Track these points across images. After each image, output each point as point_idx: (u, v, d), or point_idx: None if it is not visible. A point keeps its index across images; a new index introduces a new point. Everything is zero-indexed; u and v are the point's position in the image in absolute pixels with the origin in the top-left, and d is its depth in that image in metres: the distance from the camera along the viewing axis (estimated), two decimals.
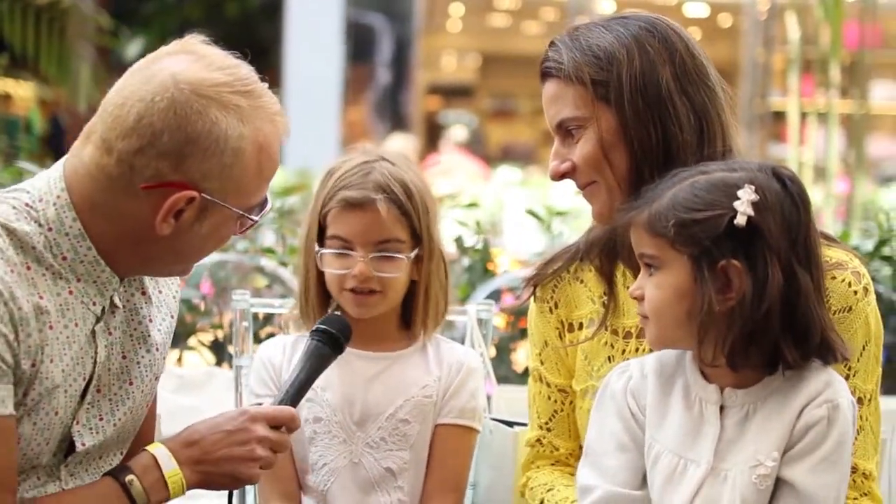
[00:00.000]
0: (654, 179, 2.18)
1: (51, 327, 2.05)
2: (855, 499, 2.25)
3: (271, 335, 3.43)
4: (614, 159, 2.33)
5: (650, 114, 2.31)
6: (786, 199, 2.08)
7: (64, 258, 2.07)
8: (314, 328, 2.39)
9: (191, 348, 4.07)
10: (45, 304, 2.04)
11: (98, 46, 12.76)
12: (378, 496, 2.57)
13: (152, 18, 19.10)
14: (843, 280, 2.28)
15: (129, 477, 2.10)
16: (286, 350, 2.62)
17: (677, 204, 2.08)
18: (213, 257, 3.84)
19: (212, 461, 2.14)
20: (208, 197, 2.05)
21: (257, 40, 17.32)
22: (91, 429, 2.15)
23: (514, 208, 9.30)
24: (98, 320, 2.13)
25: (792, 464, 2.07)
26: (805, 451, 2.07)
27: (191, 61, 2.06)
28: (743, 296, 2.05)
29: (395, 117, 16.46)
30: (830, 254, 2.30)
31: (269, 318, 3.54)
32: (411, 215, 2.55)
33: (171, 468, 2.12)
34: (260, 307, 2.86)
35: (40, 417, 2.07)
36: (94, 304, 2.11)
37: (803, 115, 9.36)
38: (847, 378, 2.23)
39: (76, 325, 2.09)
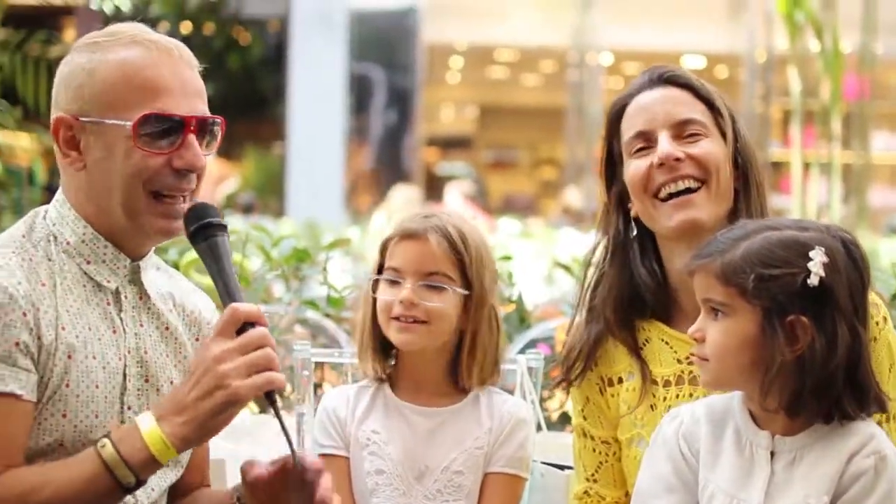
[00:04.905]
0: (749, 212, 2.44)
1: (62, 300, 2.29)
2: None
3: (319, 384, 3.57)
4: (726, 172, 2.53)
5: (747, 153, 2.56)
6: (849, 263, 2.23)
7: (68, 242, 2.35)
8: (191, 231, 2.31)
9: None
10: (55, 283, 2.30)
11: None
12: None
13: None
14: None
15: (102, 441, 2.18)
16: (350, 401, 2.74)
17: (752, 256, 2.21)
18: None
19: (190, 405, 2.17)
20: (85, 119, 2.32)
21: (259, 92, 17.45)
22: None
23: (520, 260, 9.40)
24: (116, 300, 2.36)
25: None
26: (855, 498, 2.19)
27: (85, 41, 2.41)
28: (812, 351, 2.18)
29: (396, 169, 16.60)
30: None
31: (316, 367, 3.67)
32: (462, 256, 2.68)
33: (148, 426, 2.17)
34: (321, 357, 3.00)
35: (81, 390, 2.27)
36: (109, 281, 2.35)
37: (805, 166, 9.51)
38: None
39: (85, 301, 2.32)
